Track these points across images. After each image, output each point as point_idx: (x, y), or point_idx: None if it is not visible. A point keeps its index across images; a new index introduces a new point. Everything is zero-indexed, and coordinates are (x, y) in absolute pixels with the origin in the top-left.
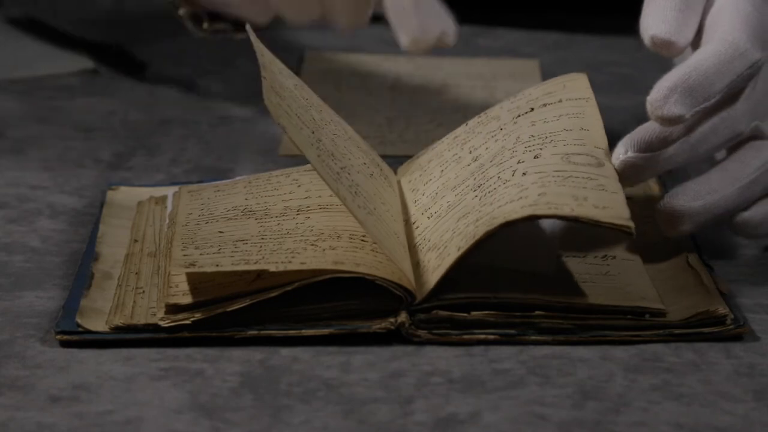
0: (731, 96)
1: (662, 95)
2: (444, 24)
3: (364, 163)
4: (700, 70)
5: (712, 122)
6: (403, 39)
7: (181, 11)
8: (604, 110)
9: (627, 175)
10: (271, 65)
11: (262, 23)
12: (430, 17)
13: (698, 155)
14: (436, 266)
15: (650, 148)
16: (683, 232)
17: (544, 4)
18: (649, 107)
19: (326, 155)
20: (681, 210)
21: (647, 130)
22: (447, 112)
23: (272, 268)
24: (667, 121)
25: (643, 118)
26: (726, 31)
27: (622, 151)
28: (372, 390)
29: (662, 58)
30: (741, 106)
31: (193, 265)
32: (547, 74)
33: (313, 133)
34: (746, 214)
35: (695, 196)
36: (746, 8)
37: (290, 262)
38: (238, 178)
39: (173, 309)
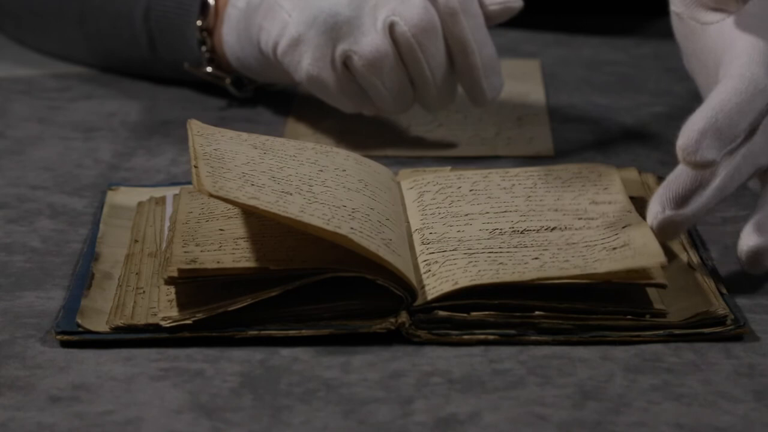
0: (749, 132)
1: (693, 141)
2: (500, 80)
3: (360, 180)
4: (725, 111)
5: (736, 162)
6: (472, 101)
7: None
8: (604, 110)
9: (666, 232)
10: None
11: (348, 112)
12: (493, 77)
13: (726, 196)
14: (447, 279)
15: (684, 201)
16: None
17: (545, 3)
18: (680, 153)
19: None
20: (763, 246)
21: (677, 182)
22: (447, 112)
23: (273, 266)
24: (700, 166)
25: (643, 118)
26: (743, 65)
27: (659, 210)
28: (372, 390)
29: (662, 59)
30: (759, 140)
31: (194, 261)
32: (548, 74)
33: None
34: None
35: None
36: (762, 41)
37: (291, 260)
38: None
39: (171, 281)
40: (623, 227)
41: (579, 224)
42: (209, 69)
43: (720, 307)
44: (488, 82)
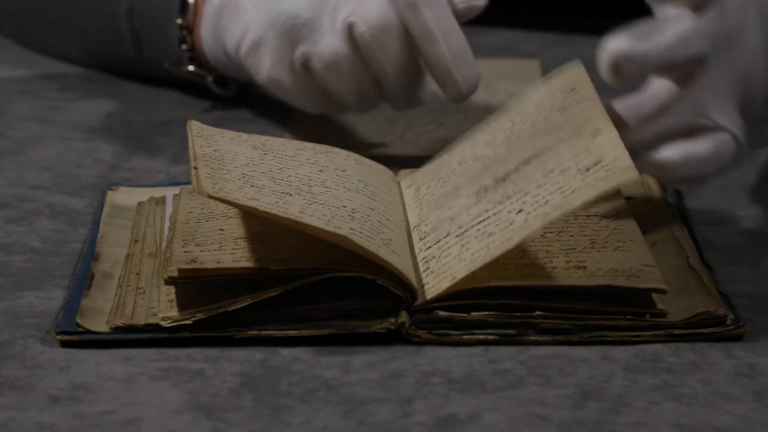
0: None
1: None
2: (475, 71)
3: (360, 180)
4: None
5: (691, 27)
6: (449, 95)
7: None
8: None
9: (619, 67)
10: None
11: (313, 113)
12: (466, 68)
13: (676, 59)
14: (445, 275)
15: (642, 36)
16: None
17: (544, 3)
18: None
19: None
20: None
21: (640, 24)
22: (447, 112)
23: (273, 266)
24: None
25: None
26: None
27: (614, 41)
28: (372, 390)
29: None
30: (711, 20)
31: (194, 261)
32: (547, 74)
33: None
34: (661, 155)
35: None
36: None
37: (291, 260)
38: None
39: (171, 280)
40: (593, 135)
41: (551, 141)
42: (191, 68)
43: (720, 307)
44: (461, 73)
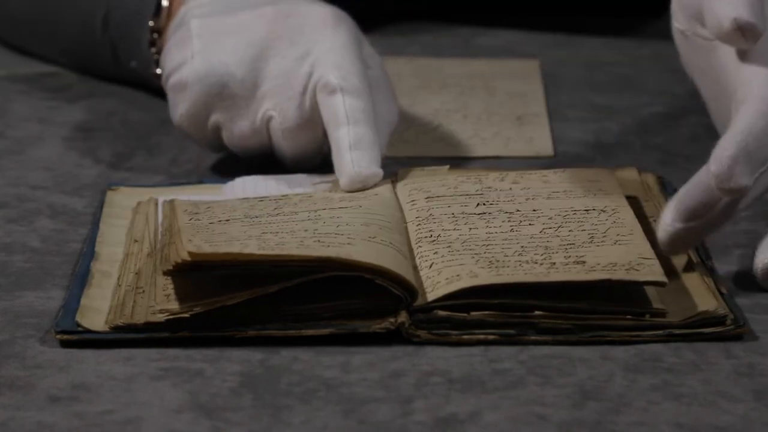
0: None
1: (726, 167)
2: (371, 170)
3: (355, 207)
4: (754, 134)
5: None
6: (342, 181)
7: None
8: (604, 110)
9: (674, 245)
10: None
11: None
12: (362, 162)
13: (739, 212)
14: (445, 274)
15: (696, 215)
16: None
17: (544, 4)
18: (715, 181)
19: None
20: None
21: (689, 196)
22: (447, 112)
23: (287, 255)
24: (735, 192)
25: (643, 118)
26: (764, 84)
27: (669, 221)
28: (372, 390)
29: (662, 59)
30: None
31: (200, 247)
32: (547, 74)
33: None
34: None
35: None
36: None
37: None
38: (229, 197)
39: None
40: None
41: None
42: (158, 71)
43: (720, 307)
44: (356, 166)
